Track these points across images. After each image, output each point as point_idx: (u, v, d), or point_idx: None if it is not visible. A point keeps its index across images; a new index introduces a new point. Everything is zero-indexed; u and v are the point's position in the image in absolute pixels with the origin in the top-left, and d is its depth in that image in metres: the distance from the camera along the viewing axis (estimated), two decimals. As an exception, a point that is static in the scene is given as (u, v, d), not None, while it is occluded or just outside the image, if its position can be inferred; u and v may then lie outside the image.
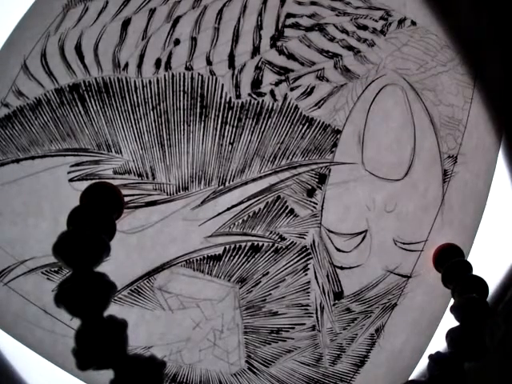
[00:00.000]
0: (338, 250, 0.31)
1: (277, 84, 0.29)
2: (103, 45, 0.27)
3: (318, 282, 0.31)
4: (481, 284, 0.28)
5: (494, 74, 0.34)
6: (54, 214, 0.27)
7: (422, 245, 0.33)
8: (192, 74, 0.28)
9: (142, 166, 0.28)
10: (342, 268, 0.31)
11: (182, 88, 0.28)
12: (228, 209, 0.29)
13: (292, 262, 0.30)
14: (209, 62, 0.29)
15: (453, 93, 0.33)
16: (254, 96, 0.29)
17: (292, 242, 0.30)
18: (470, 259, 0.33)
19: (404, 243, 0.32)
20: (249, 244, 0.29)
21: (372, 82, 0.31)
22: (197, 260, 0.29)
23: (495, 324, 0.34)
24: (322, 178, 0.30)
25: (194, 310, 0.29)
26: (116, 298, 0.28)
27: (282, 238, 0.30)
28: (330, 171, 0.30)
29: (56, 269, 0.27)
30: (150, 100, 0.28)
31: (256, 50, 0.29)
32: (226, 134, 0.29)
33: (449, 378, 0.25)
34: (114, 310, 0.28)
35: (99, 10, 0.28)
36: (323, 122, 0.30)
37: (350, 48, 0.31)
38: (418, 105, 0.32)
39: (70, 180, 0.27)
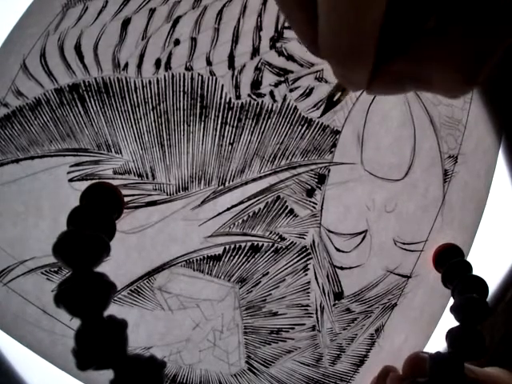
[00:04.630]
0: (338, 250, 0.31)
1: (276, 85, 0.29)
2: (103, 44, 0.27)
3: (318, 283, 0.31)
4: (481, 284, 0.28)
5: (494, 74, 0.34)
6: (53, 213, 0.27)
7: (422, 245, 0.33)
8: (192, 75, 0.28)
9: (142, 166, 0.28)
10: (342, 268, 0.31)
11: (181, 88, 0.28)
12: (228, 209, 0.29)
13: (292, 262, 0.30)
14: (209, 63, 0.29)
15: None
16: (254, 97, 0.29)
17: (292, 242, 0.30)
18: (469, 259, 0.33)
19: (404, 243, 0.32)
20: (249, 244, 0.29)
21: (372, 83, 0.31)
22: (197, 260, 0.29)
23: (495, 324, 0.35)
24: (322, 178, 0.30)
25: (194, 310, 0.29)
26: (116, 298, 0.28)
27: (282, 238, 0.30)
28: (329, 171, 0.30)
29: (56, 269, 0.27)
30: (150, 100, 0.28)
31: (256, 51, 0.29)
32: (225, 134, 0.29)
33: (449, 378, 0.25)
34: (113, 310, 0.28)
35: (99, 9, 0.28)
36: (322, 123, 0.30)
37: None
38: (417, 105, 0.32)
39: (70, 180, 0.27)
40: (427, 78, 0.15)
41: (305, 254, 0.30)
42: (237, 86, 0.29)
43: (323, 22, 0.14)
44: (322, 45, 0.14)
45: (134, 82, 0.28)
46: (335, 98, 0.21)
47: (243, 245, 0.29)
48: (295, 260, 0.30)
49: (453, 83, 0.15)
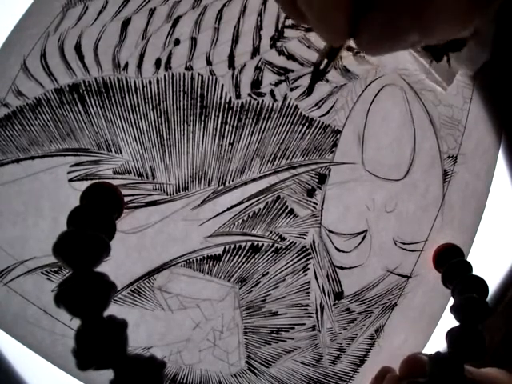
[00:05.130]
0: (338, 250, 0.31)
1: (277, 84, 0.29)
2: (103, 44, 0.27)
3: (318, 282, 0.31)
4: (481, 284, 0.28)
5: (494, 74, 0.34)
6: (53, 213, 0.27)
7: (422, 245, 0.33)
8: (192, 74, 0.28)
9: (142, 165, 0.28)
10: (342, 268, 0.31)
11: (181, 88, 0.28)
12: (228, 209, 0.29)
13: (292, 262, 0.30)
14: (209, 62, 0.29)
15: (452, 93, 0.33)
16: (254, 96, 0.29)
17: (292, 242, 0.30)
18: (469, 259, 0.33)
19: (404, 243, 0.32)
20: (249, 244, 0.29)
21: (371, 83, 0.31)
22: (197, 260, 0.29)
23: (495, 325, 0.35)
24: (322, 178, 0.30)
25: (194, 310, 0.29)
26: (116, 298, 0.28)
27: (282, 238, 0.30)
28: (329, 171, 0.30)
29: (56, 269, 0.27)
30: (150, 100, 0.28)
31: (256, 51, 0.29)
32: (225, 134, 0.29)
33: (449, 378, 0.25)
34: (114, 309, 0.28)
35: (99, 9, 0.28)
36: (323, 122, 0.30)
37: (349, 48, 0.31)
38: (417, 105, 0.32)
39: (70, 180, 0.27)
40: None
41: (305, 253, 0.30)
42: (237, 86, 0.29)
43: None
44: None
45: (134, 81, 0.28)
46: (321, 67, 0.21)
47: (243, 245, 0.29)
48: (295, 260, 0.30)
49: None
